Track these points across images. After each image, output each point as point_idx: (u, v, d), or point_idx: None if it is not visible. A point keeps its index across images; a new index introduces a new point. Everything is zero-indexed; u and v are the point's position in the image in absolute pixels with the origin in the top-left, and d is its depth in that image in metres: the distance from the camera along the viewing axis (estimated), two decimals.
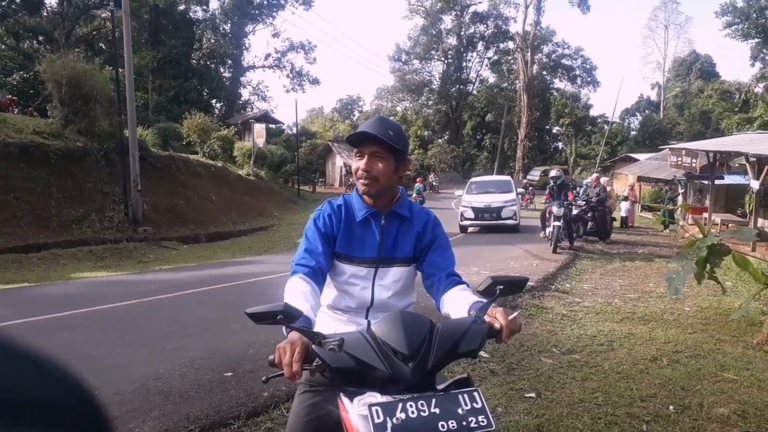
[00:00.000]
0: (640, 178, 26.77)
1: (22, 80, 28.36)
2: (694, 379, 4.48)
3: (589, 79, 59.42)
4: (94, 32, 39.34)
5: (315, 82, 50.40)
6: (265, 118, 37.91)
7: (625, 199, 20.01)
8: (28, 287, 8.71)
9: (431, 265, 1.99)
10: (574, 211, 13.56)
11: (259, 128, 29.35)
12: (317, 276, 1.84)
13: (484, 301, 1.64)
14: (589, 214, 14.13)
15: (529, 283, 8.26)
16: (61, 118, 16.50)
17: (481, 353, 5.00)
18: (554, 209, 12.05)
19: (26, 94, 27.43)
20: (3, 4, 34.77)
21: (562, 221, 11.97)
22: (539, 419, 3.66)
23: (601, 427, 3.56)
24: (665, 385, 4.33)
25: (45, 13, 37.25)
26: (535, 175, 41.87)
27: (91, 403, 0.46)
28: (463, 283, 1.93)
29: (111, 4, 27.73)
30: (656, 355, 5.13)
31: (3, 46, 34.90)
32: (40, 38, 36.37)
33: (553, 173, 13.67)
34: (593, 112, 58.86)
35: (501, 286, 1.59)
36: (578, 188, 17.58)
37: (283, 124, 46.80)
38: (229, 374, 4.37)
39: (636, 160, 33.28)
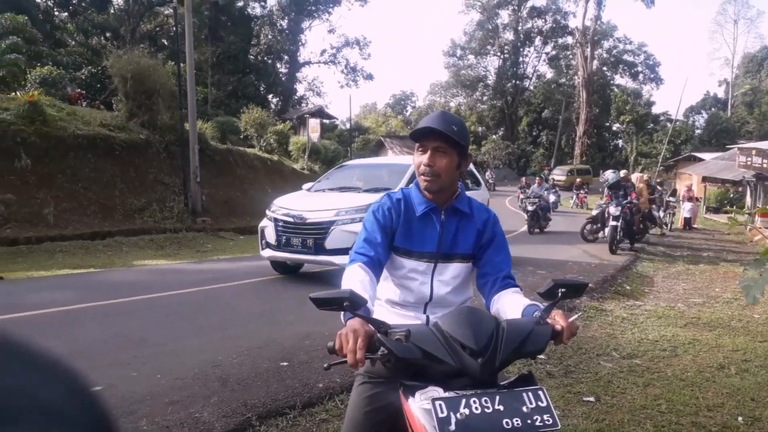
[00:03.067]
0: (704, 179, 25.69)
1: (90, 75, 29.54)
2: (764, 390, 4.25)
3: (652, 75, 57.50)
4: (158, 28, 40.70)
5: (369, 77, 50.68)
6: (320, 113, 38.34)
7: (689, 199, 19.24)
8: (94, 273, 9.08)
9: (489, 264, 1.98)
10: (594, 212, 13.60)
11: (313, 123, 29.66)
12: (375, 266, 1.84)
13: (538, 305, 1.67)
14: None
15: (589, 285, 8.07)
16: (126, 111, 17.10)
17: (539, 355, 4.89)
18: (611, 209, 11.75)
19: (94, 88, 28.58)
20: (74, 2, 36.39)
21: (621, 221, 11.58)
22: (599, 424, 3.55)
23: None
24: (733, 395, 4.13)
25: (112, 10, 38.81)
26: (559, 174, 39.16)
27: (93, 402, 0.46)
28: (517, 286, 1.93)
29: (173, 0, 28.62)
30: (723, 363, 4.90)
31: (73, 43, 36.50)
32: (108, 34, 37.87)
33: (608, 174, 13.09)
34: (656, 110, 56.94)
35: (563, 289, 1.57)
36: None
37: (337, 119, 47.21)
38: (285, 364, 4.42)
39: (701, 159, 31.99)
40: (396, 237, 1.95)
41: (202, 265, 10.10)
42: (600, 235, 13.20)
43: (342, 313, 1.58)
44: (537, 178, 19.50)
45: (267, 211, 8.54)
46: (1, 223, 12.07)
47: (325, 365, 1.54)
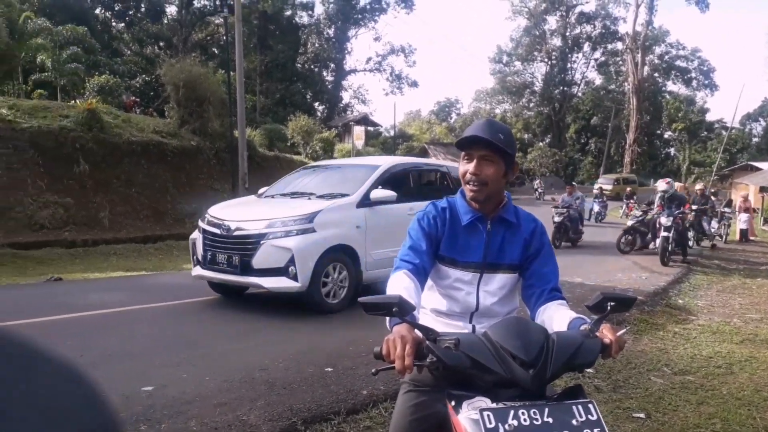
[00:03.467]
0: (762, 189, 24.67)
1: (144, 83, 30.64)
2: None
3: (706, 81, 55.61)
4: (209, 38, 41.89)
5: (413, 84, 50.92)
6: (364, 120, 38.68)
7: (745, 210, 18.51)
8: (146, 275, 9.37)
9: (536, 276, 1.94)
10: (629, 222, 13.22)
11: (358, 130, 29.97)
12: (420, 274, 1.82)
13: (585, 318, 1.65)
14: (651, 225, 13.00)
15: (639, 297, 7.85)
16: (178, 118, 17.66)
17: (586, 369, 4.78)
18: (662, 220, 11.36)
19: (147, 96, 29.63)
20: (130, 13, 37.80)
21: (672, 232, 11.21)
22: None
23: None
24: None
25: (166, 21, 40.18)
26: (605, 183, 35.03)
27: (98, 403, 0.46)
28: (563, 299, 1.89)
29: (225, 11, 29.39)
30: None
31: (129, 52, 37.91)
32: (161, 44, 39.26)
33: (662, 186, 12.42)
34: (710, 117, 55.06)
35: (612, 303, 1.56)
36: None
37: (381, 126, 47.54)
38: (330, 369, 4.45)
39: (758, 169, 30.77)
40: (441, 246, 1.93)
41: None
42: (636, 246, 12.82)
43: (388, 319, 1.58)
44: (568, 186, 18.07)
45: (199, 220, 7.01)
46: (61, 226, 12.61)
47: (373, 370, 1.54)
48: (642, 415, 3.88)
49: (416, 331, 1.51)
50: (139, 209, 14.47)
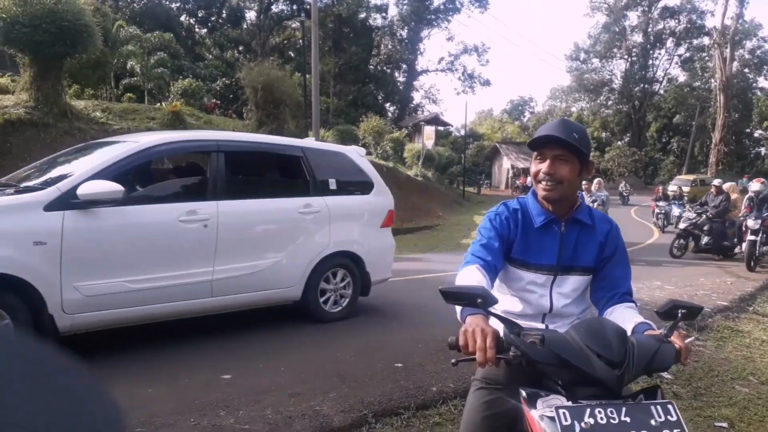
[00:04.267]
0: None
1: (224, 86, 31.85)
2: None
3: None
4: (285, 42, 43.10)
5: (486, 83, 50.25)
6: (435, 120, 38.62)
7: None
8: None
9: (608, 278, 1.93)
10: (682, 225, 12.52)
11: (428, 130, 29.90)
12: (491, 271, 1.83)
13: (650, 323, 1.68)
14: (706, 227, 12.13)
15: (723, 303, 7.51)
16: (256, 120, 18.27)
17: (664, 374, 4.63)
18: (749, 222, 10.84)
19: (227, 99, 30.79)
20: (212, 19, 39.44)
21: (761, 236, 10.62)
22: None
23: None
24: None
25: (245, 26, 41.65)
26: (682, 184, 30.45)
27: (106, 402, 0.48)
28: (633, 301, 1.89)
29: (302, 15, 30.14)
30: None
31: (210, 56, 39.55)
32: (240, 48, 40.72)
33: (755, 186, 11.66)
34: None
35: (683, 310, 1.59)
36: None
37: (452, 126, 47.35)
38: (400, 365, 4.52)
39: None
40: (514, 248, 1.93)
41: None
42: (690, 250, 12.30)
43: (460, 309, 1.61)
44: (585, 183, 15.59)
45: None
46: None
47: (453, 361, 1.55)
48: (725, 425, 3.73)
49: (490, 323, 1.53)
50: None
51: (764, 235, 10.75)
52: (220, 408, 3.55)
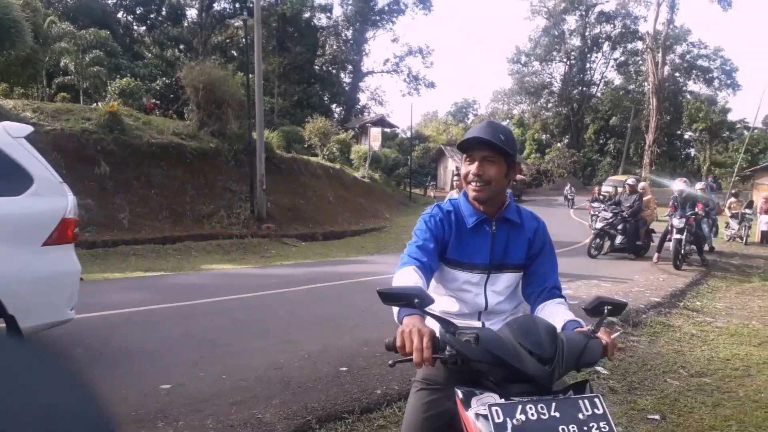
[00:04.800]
0: None
1: (165, 86, 31.00)
2: None
3: (728, 81, 54.55)
4: (228, 40, 42.27)
5: (431, 85, 50.84)
6: (381, 122, 38.70)
7: (767, 212, 18.19)
8: (165, 276, 9.50)
9: (537, 274, 2.00)
10: (598, 224, 12.52)
11: (375, 132, 30.03)
12: (427, 272, 1.85)
13: (579, 321, 1.74)
14: (620, 227, 12.16)
15: (656, 299, 7.83)
16: (197, 120, 17.87)
17: (600, 369, 4.78)
18: (675, 221, 10.99)
19: (167, 98, 29.98)
20: (151, 16, 38.27)
21: (685, 234, 10.79)
22: None
23: None
24: None
25: (186, 24, 40.62)
26: (615, 185, 30.37)
27: (97, 408, 0.47)
28: (562, 297, 1.97)
29: (244, 13, 29.65)
30: None
31: (150, 55, 38.40)
32: (181, 47, 39.69)
33: (678, 186, 11.72)
34: (732, 117, 53.95)
35: (609, 307, 1.66)
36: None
37: (398, 127, 47.48)
38: (344, 369, 4.50)
39: None
40: (449, 249, 1.96)
41: (266, 270, 10.38)
42: (605, 250, 12.34)
43: (397, 310, 1.61)
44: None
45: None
46: (81, 227, 12.82)
47: (390, 362, 1.55)
48: (657, 417, 3.88)
49: (427, 324, 1.55)
50: (158, 210, 14.66)
51: (689, 234, 10.89)
52: (159, 419, 3.44)
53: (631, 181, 13.00)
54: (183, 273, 9.95)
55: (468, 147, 1.90)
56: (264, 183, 16.72)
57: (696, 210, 11.22)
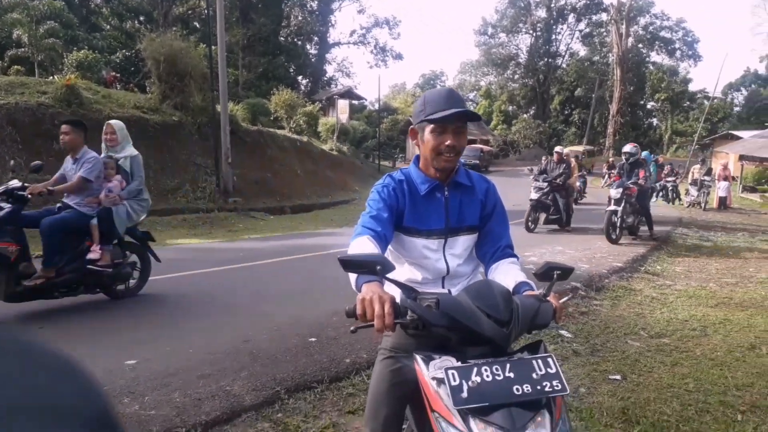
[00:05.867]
0: (742, 157, 24.95)
1: (125, 58, 30.06)
2: None
3: (689, 52, 55.54)
4: (190, 11, 41.04)
5: (398, 57, 50.41)
6: (349, 94, 38.39)
7: (725, 179, 18.77)
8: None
9: (490, 234, 2.04)
10: (534, 195, 11.27)
11: (342, 104, 29.77)
12: (382, 241, 1.85)
13: (530, 283, 1.80)
14: (550, 198, 11.36)
15: (618, 264, 8.03)
16: (159, 93, 17.41)
17: (564, 333, 4.91)
18: (612, 192, 10.19)
19: (128, 71, 29.09)
20: None
21: (623, 205, 10.04)
22: (624, 402, 3.55)
23: (691, 414, 3.41)
24: (763, 375, 4.07)
25: None
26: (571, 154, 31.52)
27: (100, 402, 0.47)
28: (515, 256, 2.01)
29: None
30: (755, 343, 4.83)
31: (108, 27, 37.11)
32: (141, 18, 38.42)
33: (627, 148, 10.74)
34: (692, 87, 55.28)
35: (558, 272, 1.71)
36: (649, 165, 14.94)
37: (366, 100, 47.26)
38: (313, 340, 4.52)
39: (738, 137, 31.07)
40: (405, 218, 1.97)
41: (234, 244, 10.29)
42: (541, 223, 11.63)
43: (355, 277, 1.62)
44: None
45: None
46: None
47: (352, 328, 1.57)
48: (618, 377, 4.00)
49: (385, 289, 1.56)
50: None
51: (627, 205, 10.18)
52: (124, 395, 3.41)
53: (558, 148, 12.30)
54: None
55: (442, 119, 1.87)
56: (229, 156, 16.46)
57: (638, 179, 10.28)
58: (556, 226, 11.70)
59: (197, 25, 39.97)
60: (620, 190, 10.05)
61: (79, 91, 15.00)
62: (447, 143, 1.87)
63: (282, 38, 45.13)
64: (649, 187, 11.15)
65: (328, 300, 5.75)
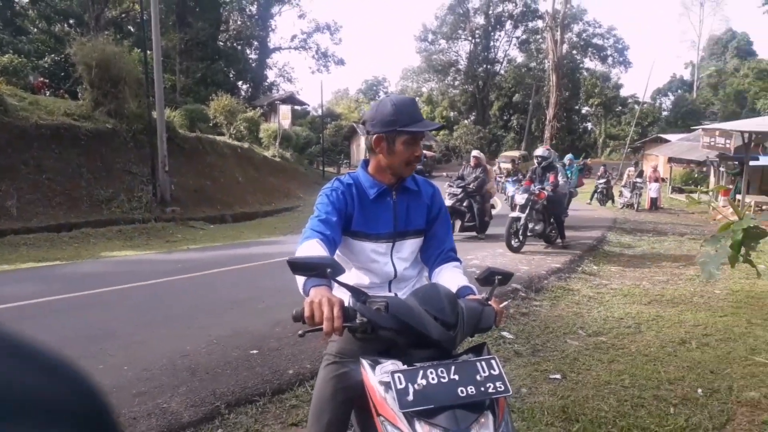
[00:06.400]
0: (670, 159, 26.19)
1: (54, 63, 28.81)
2: (723, 363, 4.40)
3: (620, 58, 58.13)
4: (123, 15, 39.66)
5: (340, 62, 50.26)
6: (291, 99, 37.98)
7: (655, 180, 19.62)
8: (60, 265, 8.92)
9: (434, 237, 2.08)
10: (448, 202, 10.06)
11: (284, 110, 29.46)
12: (331, 245, 1.84)
13: (471, 287, 1.85)
14: (465, 204, 10.81)
15: (556, 265, 8.23)
16: (91, 100, 16.74)
17: (506, 334, 4.99)
18: (517, 198, 9.61)
19: (57, 77, 27.88)
20: None
21: (529, 212, 9.44)
22: (564, 401, 3.63)
23: (627, 410, 3.52)
24: (694, 369, 4.26)
25: None
26: (501, 162, 30.87)
27: (95, 401, 0.46)
28: (458, 260, 2.07)
29: None
30: (685, 338, 5.05)
31: (35, 30, 35.46)
32: (71, 21, 36.89)
33: (538, 152, 10.30)
34: (624, 92, 57.76)
35: (499, 277, 1.80)
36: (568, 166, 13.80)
37: (309, 105, 46.83)
38: (255, 352, 4.42)
39: (667, 140, 32.59)
40: (354, 222, 1.97)
41: (172, 256, 9.98)
42: (455, 230, 10.18)
43: (303, 281, 1.60)
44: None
45: None
46: None
47: (300, 332, 1.54)
48: (558, 376, 4.09)
49: (334, 293, 1.56)
50: (51, 196, 13.68)
51: (533, 212, 9.55)
52: None
53: (475, 153, 11.51)
54: (81, 261, 9.37)
55: (414, 131, 1.93)
56: (167, 164, 16.00)
57: (546, 185, 9.68)
58: (474, 233, 11.12)
59: (131, 29, 38.67)
60: (525, 195, 9.45)
61: (3, 98, 14.26)
62: (416, 154, 1.94)
63: (221, 43, 44.28)
64: (565, 192, 10.65)
65: (270, 310, 5.66)
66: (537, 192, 9.54)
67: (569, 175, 12.89)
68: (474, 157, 11.29)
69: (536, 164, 10.16)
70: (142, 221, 14.40)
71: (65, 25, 37.13)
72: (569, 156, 15.72)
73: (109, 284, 6.90)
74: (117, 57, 16.89)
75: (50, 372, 0.44)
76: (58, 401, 0.42)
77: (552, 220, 10.03)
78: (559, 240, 10.25)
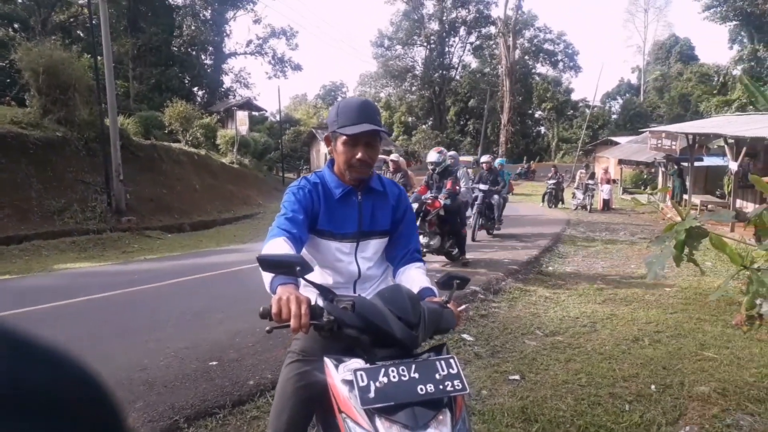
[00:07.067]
0: (621, 161, 27.02)
1: None
2: (675, 359, 4.57)
3: (571, 63, 59.87)
4: (71, 19, 38.57)
5: (297, 68, 50.05)
6: (248, 105, 37.63)
7: (607, 182, 20.20)
8: (10, 279, 8.62)
9: (401, 238, 2.12)
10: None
11: (241, 116, 29.09)
12: (297, 243, 1.86)
13: (433, 289, 1.92)
14: None
15: (514, 267, 8.40)
16: (39, 107, 16.23)
17: (466, 336, 5.07)
18: (415, 206, 7.98)
19: (3, 84, 26.92)
20: None
21: (419, 224, 7.85)
22: (523, 401, 3.72)
23: (585, 408, 3.63)
24: (647, 365, 4.41)
25: (20, 0, 36.47)
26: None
27: (103, 396, 0.47)
28: (421, 261, 2.11)
29: None
30: (638, 335, 5.23)
31: None
32: (15, 26, 35.66)
33: (431, 156, 8.76)
34: (575, 97, 59.47)
35: (458, 281, 1.89)
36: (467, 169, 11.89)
37: (267, 111, 46.52)
38: (214, 363, 4.38)
39: (617, 143, 33.63)
40: (319, 221, 1.99)
41: (128, 266, 9.76)
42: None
43: (270, 278, 1.63)
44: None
45: None
46: None
47: (267, 328, 1.56)
48: (517, 377, 4.18)
49: (301, 291, 1.59)
50: None
51: (425, 224, 8.22)
52: None
53: (393, 157, 10.46)
54: (31, 275, 9.07)
55: (353, 135, 1.89)
56: (121, 173, 15.62)
57: (448, 189, 8.44)
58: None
59: (81, 34, 37.63)
60: (415, 204, 7.96)
61: None
62: (358, 157, 1.92)
63: (175, 48, 43.48)
64: (464, 201, 9.60)
65: (230, 320, 5.60)
66: (430, 201, 8.25)
67: (503, 180, 12.31)
68: (391, 161, 10.06)
69: (430, 170, 8.76)
70: (97, 232, 14.01)
71: (9, 30, 35.85)
72: (499, 160, 15.75)
73: (62, 298, 6.70)
74: (66, 63, 16.41)
75: (53, 365, 0.45)
76: (61, 395, 0.44)
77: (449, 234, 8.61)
78: (461, 257, 8.80)
